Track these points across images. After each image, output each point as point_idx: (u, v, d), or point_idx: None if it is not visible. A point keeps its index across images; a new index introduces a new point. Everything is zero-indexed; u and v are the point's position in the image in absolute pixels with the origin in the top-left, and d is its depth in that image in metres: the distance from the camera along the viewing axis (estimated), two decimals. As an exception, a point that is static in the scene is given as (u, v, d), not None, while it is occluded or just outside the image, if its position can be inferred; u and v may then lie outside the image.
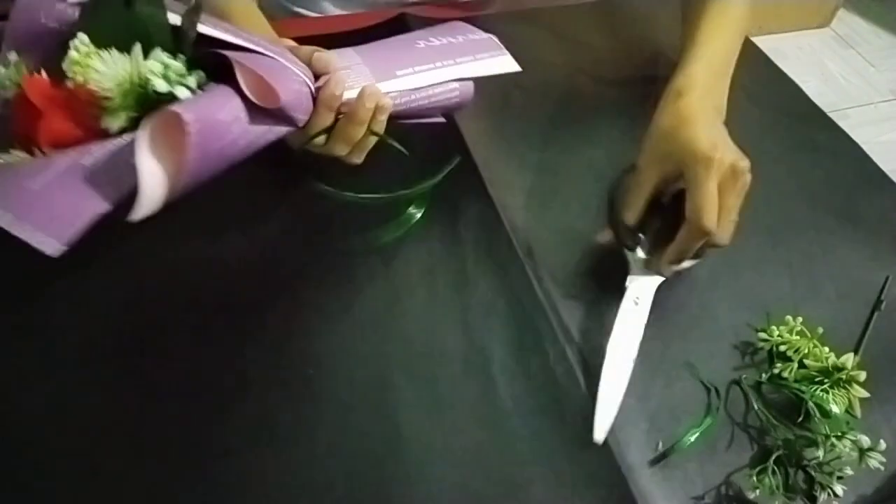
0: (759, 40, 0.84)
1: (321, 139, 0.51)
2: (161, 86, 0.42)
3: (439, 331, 0.52)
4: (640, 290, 0.54)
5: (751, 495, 0.45)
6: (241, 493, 0.44)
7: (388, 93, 0.51)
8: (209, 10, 0.51)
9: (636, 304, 0.53)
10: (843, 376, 0.48)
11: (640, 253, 0.56)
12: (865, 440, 0.44)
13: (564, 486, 0.45)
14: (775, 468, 0.45)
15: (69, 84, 0.42)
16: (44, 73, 0.43)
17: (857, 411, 0.48)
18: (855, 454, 0.44)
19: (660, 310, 0.54)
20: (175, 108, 0.40)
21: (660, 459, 0.47)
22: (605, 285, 0.56)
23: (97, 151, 0.42)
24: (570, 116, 0.71)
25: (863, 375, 0.48)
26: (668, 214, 0.55)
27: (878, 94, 2.04)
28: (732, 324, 0.55)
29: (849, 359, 0.49)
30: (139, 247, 0.56)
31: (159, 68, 0.43)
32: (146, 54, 0.43)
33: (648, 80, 0.77)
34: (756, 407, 0.49)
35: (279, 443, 0.46)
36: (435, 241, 0.58)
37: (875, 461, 0.44)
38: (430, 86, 0.53)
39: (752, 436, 0.49)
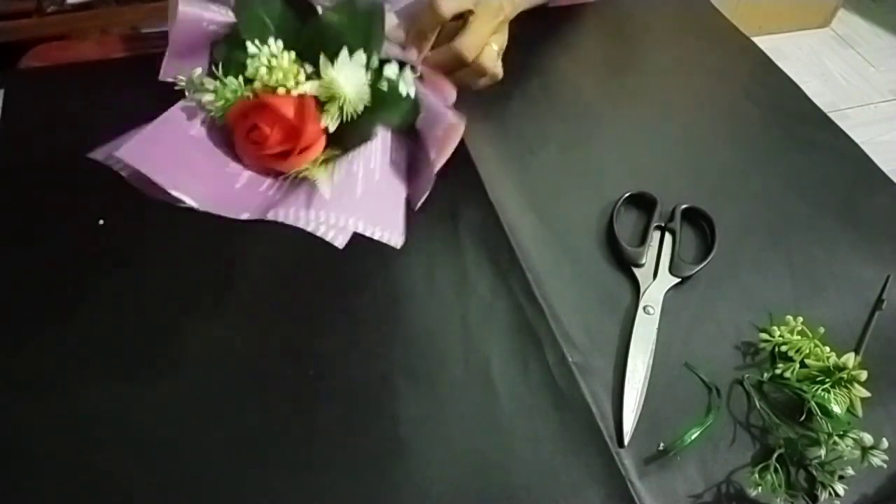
0: (759, 40, 0.84)
1: None
2: (405, 90, 0.44)
3: (439, 333, 0.52)
4: (651, 300, 0.55)
5: (752, 494, 0.45)
6: (240, 494, 0.44)
7: None
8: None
9: (649, 313, 0.54)
10: (845, 376, 0.48)
11: (647, 267, 0.57)
12: (868, 438, 0.44)
13: (564, 486, 0.45)
14: (777, 467, 0.45)
15: (296, 94, 0.43)
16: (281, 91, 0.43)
17: (859, 411, 0.48)
18: (857, 453, 0.44)
19: (662, 310, 0.54)
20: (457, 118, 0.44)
21: (660, 459, 0.47)
22: (604, 288, 0.57)
23: (378, 155, 0.44)
24: (571, 118, 0.71)
25: (864, 375, 0.48)
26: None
27: (878, 94, 2.04)
28: (734, 324, 0.54)
29: (850, 358, 0.48)
30: (139, 247, 0.56)
31: (394, 72, 0.44)
32: (332, 59, 0.44)
33: (649, 80, 0.78)
34: (758, 406, 0.49)
35: (279, 444, 0.46)
36: (434, 244, 0.58)
37: (878, 459, 0.43)
38: None
39: (754, 435, 0.49)
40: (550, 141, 0.68)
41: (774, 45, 2.04)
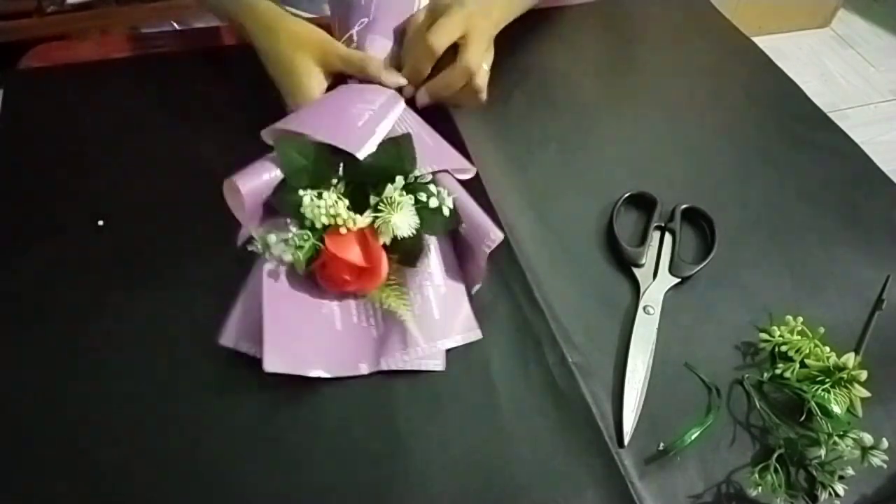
0: (759, 40, 0.84)
1: None
2: (447, 211, 0.51)
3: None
4: (651, 300, 0.55)
5: (752, 494, 0.45)
6: (240, 495, 0.44)
7: None
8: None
9: (649, 313, 0.54)
10: (845, 376, 0.48)
11: (647, 267, 0.57)
12: (868, 438, 0.44)
13: (564, 486, 0.45)
14: (777, 467, 0.45)
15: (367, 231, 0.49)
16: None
17: (859, 411, 0.48)
18: (857, 453, 0.44)
19: (662, 310, 0.54)
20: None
21: (660, 459, 0.47)
22: (603, 289, 0.57)
23: (438, 269, 0.52)
24: (571, 118, 0.71)
25: (864, 375, 0.48)
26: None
27: (878, 94, 2.04)
28: (734, 324, 0.54)
29: (850, 358, 0.48)
30: (139, 247, 0.56)
31: (435, 191, 0.51)
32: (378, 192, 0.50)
33: (649, 80, 0.78)
34: (758, 406, 0.49)
35: (279, 444, 0.46)
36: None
37: (878, 459, 0.44)
38: None
39: (754, 435, 0.49)
40: (550, 141, 0.68)
41: (774, 45, 2.05)
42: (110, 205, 0.59)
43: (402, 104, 0.57)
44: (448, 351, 0.51)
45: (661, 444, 0.47)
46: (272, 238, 0.49)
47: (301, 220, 0.49)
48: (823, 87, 2.05)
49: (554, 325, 0.53)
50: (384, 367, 0.48)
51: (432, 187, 0.51)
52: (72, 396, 0.47)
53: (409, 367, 0.49)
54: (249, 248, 0.49)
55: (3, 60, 0.78)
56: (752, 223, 0.62)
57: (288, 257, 0.49)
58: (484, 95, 0.61)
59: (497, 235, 0.50)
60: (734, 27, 0.86)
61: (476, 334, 0.51)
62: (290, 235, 0.49)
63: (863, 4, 2.34)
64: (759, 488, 0.44)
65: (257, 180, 0.49)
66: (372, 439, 0.46)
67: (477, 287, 0.54)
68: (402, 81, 0.59)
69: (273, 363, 0.46)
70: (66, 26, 1.38)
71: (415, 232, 0.49)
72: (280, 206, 0.50)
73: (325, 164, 0.51)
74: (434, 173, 0.53)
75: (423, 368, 0.49)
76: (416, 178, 0.51)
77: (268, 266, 0.49)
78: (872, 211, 0.64)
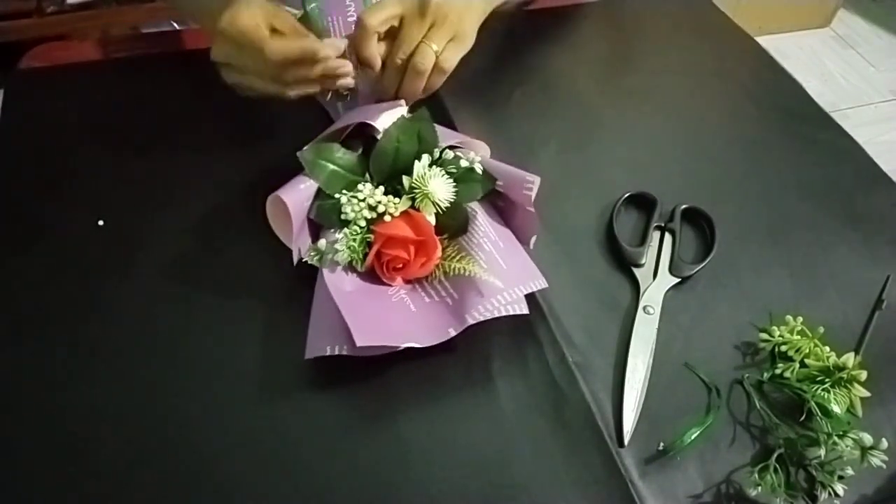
0: (759, 40, 0.84)
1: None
2: (478, 168, 0.53)
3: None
4: (651, 300, 0.55)
5: (752, 493, 0.45)
6: (240, 494, 0.44)
7: None
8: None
9: (649, 313, 0.54)
10: (845, 376, 0.48)
11: (647, 267, 0.57)
12: (868, 438, 0.44)
13: (564, 486, 0.45)
14: (777, 467, 0.45)
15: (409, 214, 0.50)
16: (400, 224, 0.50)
17: (859, 410, 0.48)
18: (857, 453, 0.44)
19: (662, 310, 0.54)
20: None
21: (660, 459, 0.47)
22: (603, 288, 0.57)
23: (489, 228, 0.53)
24: (571, 118, 0.71)
25: (864, 375, 0.48)
26: None
27: (878, 94, 2.04)
28: (734, 324, 0.54)
29: (850, 358, 0.48)
30: (139, 247, 0.56)
31: (462, 156, 0.53)
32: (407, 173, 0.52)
33: (649, 80, 0.78)
34: (758, 406, 0.49)
35: (279, 444, 0.46)
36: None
37: (877, 459, 0.44)
38: None
39: (754, 435, 0.49)
40: (550, 141, 0.68)
41: (774, 46, 2.04)
42: (110, 205, 0.59)
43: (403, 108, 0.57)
44: (448, 350, 0.51)
45: (661, 444, 0.47)
46: (323, 244, 0.50)
47: (345, 223, 0.50)
48: (823, 87, 2.05)
49: (554, 325, 0.53)
50: (471, 321, 0.47)
51: (459, 153, 0.53)
52: (71, 396, 0.47)
53: (494, 315, 0.47)
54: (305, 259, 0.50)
55: (3, 60, 0.78)
56: (752, 223, 0.62)
57: (344, 257, 0.49)
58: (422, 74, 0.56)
59: (532, 177, 0.51)
60: (735, 26, 0.86)
61: (543, 282, 0.51)
62: (340, 236, 0.49)
63: (863, 4, 2.34)
64: (759, 488, 0.44)
65: (296, 192, 0.50)
66: (372, 439, 0.46)
67: (534, 239, 0.54)
68: (347, 67, 0.55)
69: (363, 338, 0.44)
70: (66, 26, 1.39)
71: (454, 198, 0.51)
72: (321, 217, 0.51)
73: (354, 163, 0.52)
74: (453, 148, 0.54)
75: (510, 313, 0.48)
76: (441, 153, 0.53)
77: (328, 273, 0.49)
78: (872, 211, 0.64)
